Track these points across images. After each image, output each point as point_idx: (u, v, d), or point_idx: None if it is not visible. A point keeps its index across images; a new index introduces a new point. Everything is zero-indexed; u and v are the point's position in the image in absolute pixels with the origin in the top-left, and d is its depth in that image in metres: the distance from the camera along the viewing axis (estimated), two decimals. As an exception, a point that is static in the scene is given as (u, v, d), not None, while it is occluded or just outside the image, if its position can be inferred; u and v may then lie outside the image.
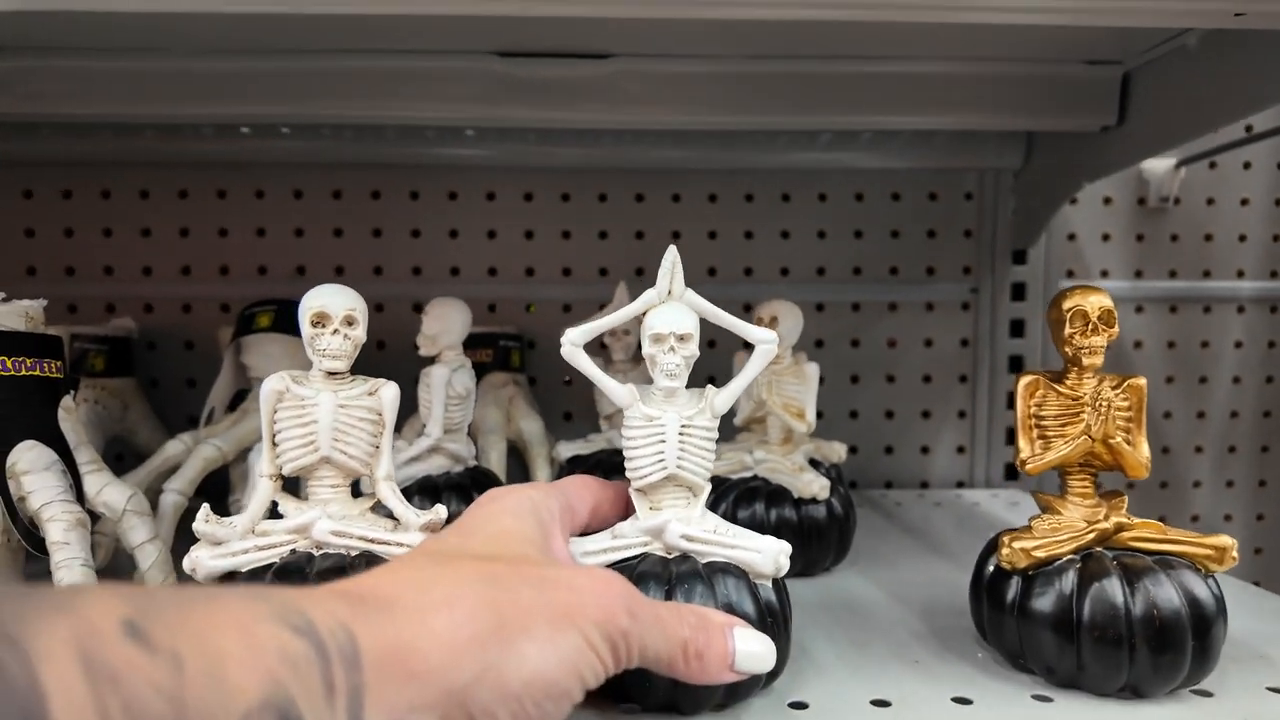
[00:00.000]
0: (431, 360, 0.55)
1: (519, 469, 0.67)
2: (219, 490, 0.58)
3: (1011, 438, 0.80)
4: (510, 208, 0.77)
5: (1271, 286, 0.82)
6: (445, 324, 0.54)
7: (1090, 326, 0.37)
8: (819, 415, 0.55)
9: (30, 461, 0.42)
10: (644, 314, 0.37)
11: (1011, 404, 0.79)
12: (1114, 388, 0.38)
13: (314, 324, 0.37)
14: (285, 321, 0.58)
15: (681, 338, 0.36)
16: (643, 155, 0.75)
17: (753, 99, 0.60)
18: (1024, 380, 0.39)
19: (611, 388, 0.37)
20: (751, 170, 0.77)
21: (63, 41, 0.58)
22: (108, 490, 0.44)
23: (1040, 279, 0.79)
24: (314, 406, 0.36)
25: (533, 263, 0.78)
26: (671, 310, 0.37)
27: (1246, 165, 0.81)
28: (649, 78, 0.59)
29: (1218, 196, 0.81)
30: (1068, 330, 0.38)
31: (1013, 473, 0.80)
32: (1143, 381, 0.38)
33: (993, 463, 0.81)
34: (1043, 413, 0.38)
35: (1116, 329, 0.38)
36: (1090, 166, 0.66)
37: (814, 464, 0.59)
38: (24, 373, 0.44)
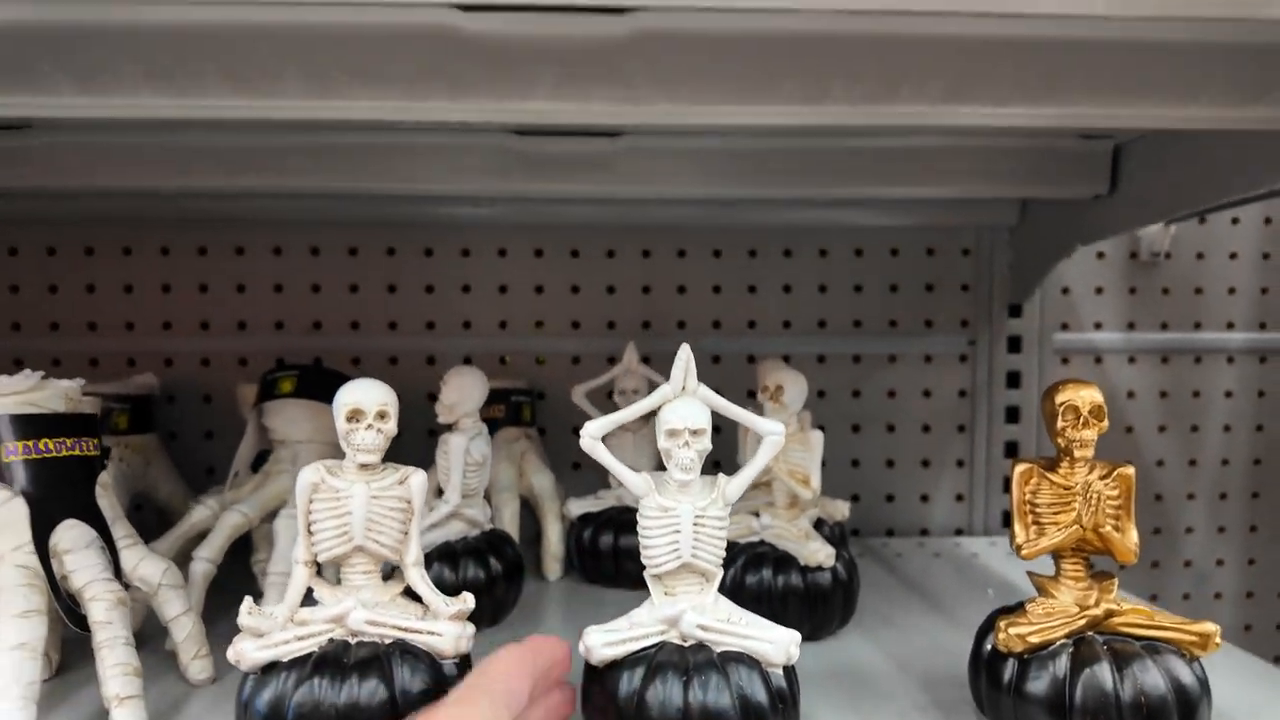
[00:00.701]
0: (449, 427, 0.57)
1: (530, 521, 0.69)
2: (243, 550, 0.60)
3: (1009, 486, 0.82)
4: (521, 264, 0.79)
5: (1260, 338, 0.84)
6: (463, 393, 0.56)
7: (1081, 420, 0.39)
8: (822, 463, 0.56)
9: (72, 540, 0.44)
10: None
11: (1010, 453, 0.82)
12: (1103, 477, 0.40)
13: (349, 419, 0.39)
14: (307, 387, 0.60)
15: (695, 432, 0.38)
16: (649, 214, 0.77)
17: (756, 172, 0.63)
18: (1019, 469, 0.41)
19: (628, 478, 0.39)
20: (754, 228, 0.80)
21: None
22: (143, 565, 0.46)
23: (1035, 332, 0.82)
24: (348, 499, 0.38)
25: (543, 317, 0.80)
26: (685, 406, 0.39)
27: (1235, 221, 0.83)
28: (657, 153, 0.62)
29: (1207, 251, 0.83)
30: (1059, 423, 0.40)
31: (1009, 520, 0.82)
32: (1131, 470, 0.40)
33: (990, 510, 0.83)
34: (1036, 500, 0.40)
35: (1106, 423, 0.40)
36: (1083, 231, 0.69)
37: (818, 522, 0.61)
38: (64, 454, 0.46)
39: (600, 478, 0.70)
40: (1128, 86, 0.41)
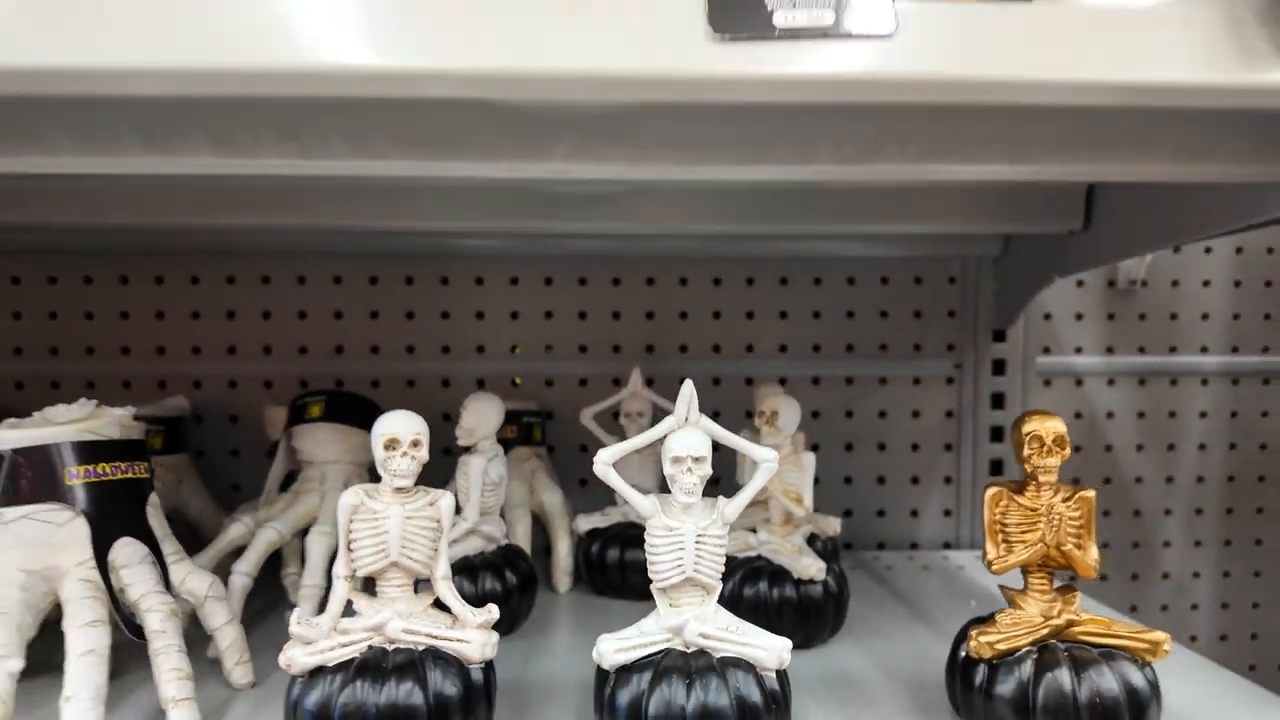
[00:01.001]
0: (466, 449, 0.62)
1: (540, 535, 0.73)
2: (274, 565, 0.64)
3: (994, 502, 0.86)
4: (532, 291, 0.84)
5: (1233, 361, 0.88)
6: (481, 418, 0.61)
7: (1045, 449, 0.44)
8: (816, 481, 0.61)
9: (127, 557, 0.48)
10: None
11: (994, 470, 0.86)
12: (1066, 500, 0.44)
13: (386, 447, 0.43)
14: (334, 411, 0.64)
15: (697, 460, 0.42)
16: (653, 245, 0.82)
17: (754, 210, 0.67)
18: (989, 492, 0.45)
19: (637, 500, 0.44)
20: (752, 257, 0.84)
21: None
22: (191, 579, 0.50)
23: (1019, 356, 0.86)
24: (385, 519, 0.43)
25: (552, 341, 0.84)
26: (689, 435, 0.43)
27: (1208, 250, 0.88)
28: (661, 194, 0.66)
29: (1182, 279, 0.88)
30: (1026, 451, 0.44)
31: (996, 534, 0.86)
32: (1091, 494, 0.44)
33: (976, 525, 0.87)
34: (1006, 521, 0.45)
35: (1068, 450, 0.44)
36: (1060, 263, 0.73)
37: (812, 537, 0.65)
38: (119, 476, 0.50)
39: (607, 494, 0.73)
40: (1085, 147, 0.46)
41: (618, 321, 0.85)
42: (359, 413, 0.65)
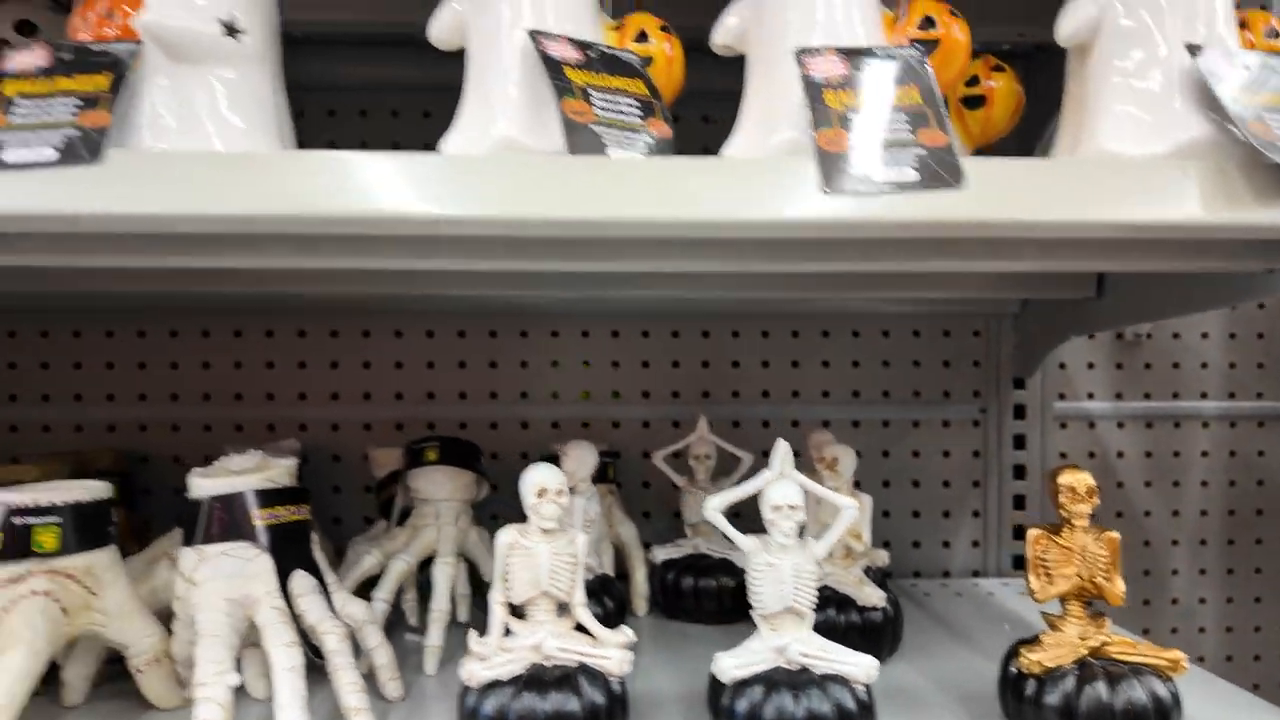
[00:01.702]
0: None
1: (617, 564, 0.82)
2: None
3: (1018, 533, 0.95)
4: (600, 343, 0.93)
5: (1230, 406, 0.98)
6: (580, 462, 0.70)
7: (1078, 498, 0.53)
8: (860, 516, 0.70)
9: (303, 587, 0.57)
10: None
11: (1017, 505, 0.96)
12: (1095, 539, 0.53)
13: (538, 495, 0.52)
14: (448, 455, 0.73)
15: (793, 507, 0.51)
16: (708, 302, 0.91)
17: (801, 283, 0.77)
18: (1032, 533, 0.54)
19: (741, 540, 0.53)
20: (797, 313, 0.94)
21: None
22: (350, 606, 0.59)
23: (1038, 401, 0.95)
24: (536, 555, 0.52)
25: (618, 387, 0.93)
26: (785, 486, 0.52)
27: (1206, 306, 0.98)
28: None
29: (1183, 331, 0.98)
30: (1062, 498, 0.53)
31: (1019, 563, 0.95)
32: (1116, 535, 0.53)
33: (1002, 555, 0.96)
34: (1046, 558, 0.54)
35: (1098, 499, 0.53)
36: (1075, 326, 0.83)
37: (865, 569, 0.74)
38: (292, 518, 0.59)
39: (670, 526, 0.83)
40: (1096, 246, 0.55)
41: (677, 370, 0.94)
42: (468, 456, 0.74)
